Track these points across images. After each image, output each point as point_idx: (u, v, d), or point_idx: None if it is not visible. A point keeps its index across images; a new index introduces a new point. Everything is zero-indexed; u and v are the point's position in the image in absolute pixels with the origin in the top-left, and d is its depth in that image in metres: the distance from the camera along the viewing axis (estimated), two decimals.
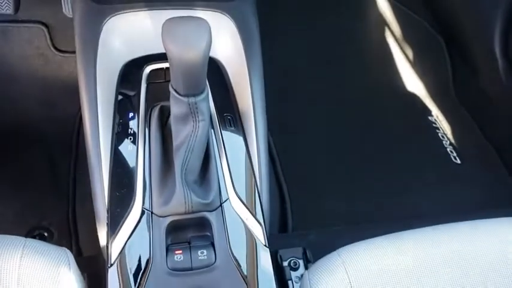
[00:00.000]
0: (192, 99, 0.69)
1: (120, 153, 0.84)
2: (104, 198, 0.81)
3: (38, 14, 1.55)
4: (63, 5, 1.42)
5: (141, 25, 0.95)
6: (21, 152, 1.43)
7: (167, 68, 0.91)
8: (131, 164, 0.83)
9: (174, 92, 0.70)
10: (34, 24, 1.55)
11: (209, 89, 0.73)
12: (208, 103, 0.73)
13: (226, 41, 0.96)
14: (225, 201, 0.80)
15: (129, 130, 0.86)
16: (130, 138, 0.85)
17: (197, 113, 0.71)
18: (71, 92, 1.38)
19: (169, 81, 0.70)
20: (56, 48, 1.57)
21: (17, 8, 1.45)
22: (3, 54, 1.54)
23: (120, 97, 0.91)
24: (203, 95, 0.70)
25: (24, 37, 1.56)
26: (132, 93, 0.90)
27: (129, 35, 0.95)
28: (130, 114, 0.88)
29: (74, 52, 1.50)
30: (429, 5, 1.75)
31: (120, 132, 0.86)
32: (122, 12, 0.95)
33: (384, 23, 1.87)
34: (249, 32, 0.98)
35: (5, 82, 1.53)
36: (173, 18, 0.67)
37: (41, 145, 1.45)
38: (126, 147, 0.84)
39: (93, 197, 0.83)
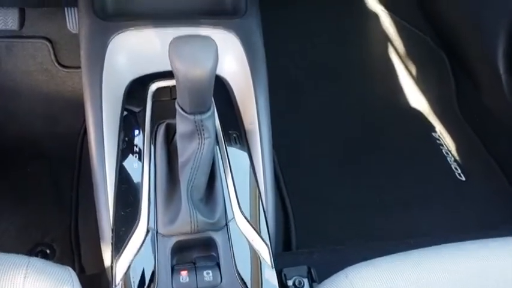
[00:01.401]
0: (198, 117, 0.69)
1: (125, 170, 0.84)
2: (108, 217, 0.81)
3: (42, 29, 1.56)
4: (67, 21, 1.42)
5: (147, 43, 0.95)
6: (24, 167, 1.43)
7: (173, 86, 0.91)
8: (136, 181, 0.82)
9: (180, 110, 0.69)
10: (38, 39, 1.56)
11: (215, 107, 0.73)
12: (214, 121, 0.72)
13: (231, 59, 0.97)
14: (231, 220, 0.79)
15: (135, 147, 0.86)
16: (136, 156, 0.85)
17: (203, 130, 0.70)
18: (74, 107, 1.39)
19: (175, 99, 0.70)
20: (59, 63, 1.57)
21: (21, 24, 1.46)
22: (7, 69, 1.54)
23: (125, 114, 0.90)
24: (209, 113, 0.70)
25: (28, 52, 1.56)
26: (137, 111, 0.90)
27: (135, 52, 0.95)
28: (136, 132, 0.88)
29: (77, 68, 1.51)
30: (432, 21, 1.75)
31: (126, 150, 0.86)
32: (128, 29, 0.95)
33: (386, 39, 1.88)
34: (254, 49, 0.98)
35: (9, 97, 1.53)
36: (180, 36, 0.67)
37: (44, 160, 1.44)
38: (132, 165, 0.84)
39: (97, 216, 0.82)
